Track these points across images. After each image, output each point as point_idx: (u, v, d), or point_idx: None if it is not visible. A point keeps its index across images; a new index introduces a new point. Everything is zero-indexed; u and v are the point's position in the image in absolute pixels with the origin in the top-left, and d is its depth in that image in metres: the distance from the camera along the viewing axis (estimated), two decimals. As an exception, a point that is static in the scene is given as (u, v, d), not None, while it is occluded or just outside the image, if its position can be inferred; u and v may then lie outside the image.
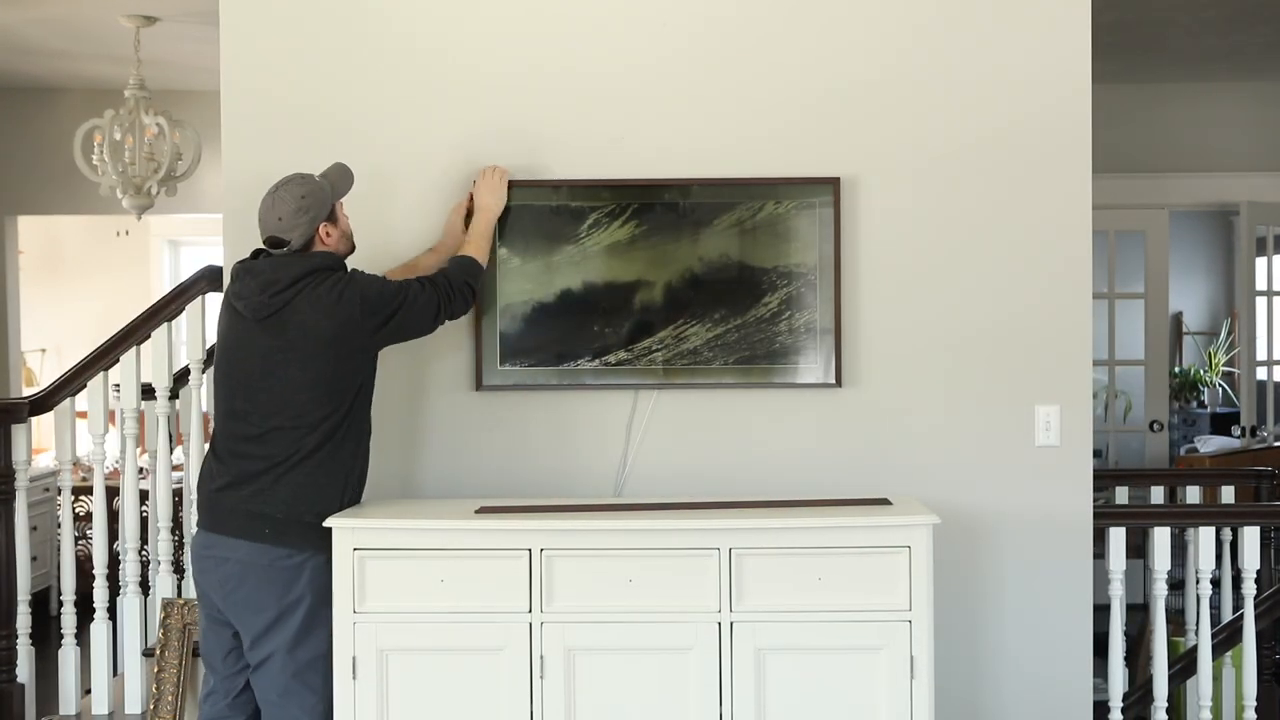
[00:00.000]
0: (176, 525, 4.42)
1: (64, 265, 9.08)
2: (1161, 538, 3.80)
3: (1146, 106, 6.96)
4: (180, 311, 4.15)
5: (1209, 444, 8.20)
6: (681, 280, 3.77)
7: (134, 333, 4.14)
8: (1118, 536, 3.81)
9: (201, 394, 4.25)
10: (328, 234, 3.36)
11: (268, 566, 3.20)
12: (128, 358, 4.13)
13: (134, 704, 4.06)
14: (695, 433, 3.80)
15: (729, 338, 3.77)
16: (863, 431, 3.79)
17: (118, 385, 4.17)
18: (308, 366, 3.24)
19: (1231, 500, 5.07)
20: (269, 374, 3.24)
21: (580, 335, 3.77)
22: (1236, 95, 7.05)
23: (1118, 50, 6.21)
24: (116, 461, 5.17)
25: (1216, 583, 4.72)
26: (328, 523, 3.25)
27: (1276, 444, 6.89)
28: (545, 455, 3.80)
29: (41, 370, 8.75)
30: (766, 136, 3.79)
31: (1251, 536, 3.80)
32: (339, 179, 3.44)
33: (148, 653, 4.09)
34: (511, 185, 3.75)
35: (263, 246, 3.33)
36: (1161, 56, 6.46)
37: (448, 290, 3.42)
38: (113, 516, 4.64)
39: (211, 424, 3.43)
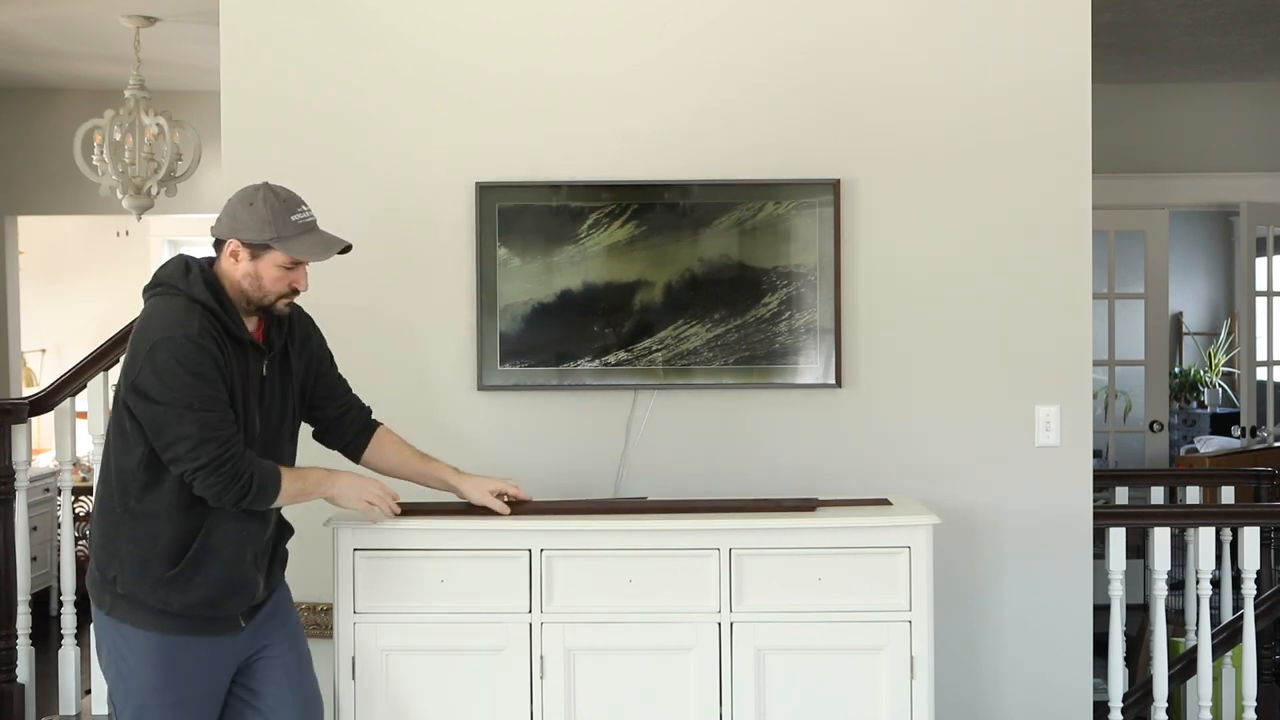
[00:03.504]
0: (176, 525, 4.41)
1: (64, 265, 9.07)
2: (1161, 538, 3.80)
3: (1146, 106, 6.96)
4: (180, 312, 4.14)
5: (1209, 444, 8.20)
6: (681, 280, 3.77)
7: (134, 333, 4.13)
8: (1118, 536, 3.81)
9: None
10: (234, 257, 2.81)
11: None
12: (128, 358, 4.12)
13: (134, 704, 4.05)
14: (695, 433, 3.80)
15: (729, 338, 3.77)
16: (863, 431, 3.79)
17: (118, 385, 4.16)
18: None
19: (1231, 500, 5.07)
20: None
21: (580, 335, 3.77)
22: (1236, 95, 7.05)
23: (1118, 50, 6.21)
24: (116, 461, 5.15)
25: (1216, 583, 4.73)
26: (327, 523, 3.25)
27: (1276, 444, 6.89)
28: (545, 455, 3.80)
29: (41, 370, 8.75)
30: (767, 137, 3.79)
31: (1251, 536, 3.80)
32: (309, 239, 2.84)
33: (148, 653, 4.08)
34: (511, 186, 3.75)
35: None
36: (1161, 56, 6.46)
37: (233, 468, 2.73)
38: (113, 516, 4.63)
39: None
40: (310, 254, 2.84)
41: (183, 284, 2.76)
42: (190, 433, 2.67)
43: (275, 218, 2.79)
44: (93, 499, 2.92)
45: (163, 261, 2.94)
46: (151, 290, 2.80)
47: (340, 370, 3.73)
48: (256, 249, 2.80)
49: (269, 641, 2.99)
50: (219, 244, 2.85)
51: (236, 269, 2.80)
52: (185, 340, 2.68)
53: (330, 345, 3.82)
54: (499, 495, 3.24)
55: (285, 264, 2.82)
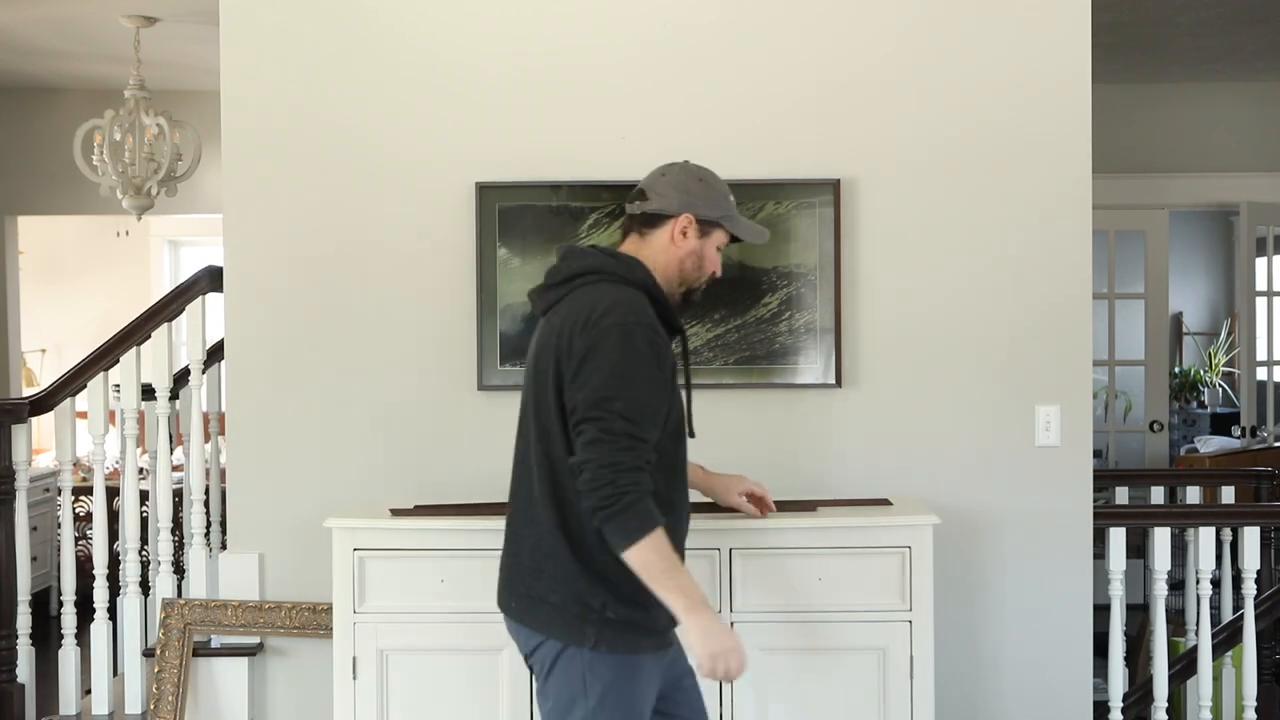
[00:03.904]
0: (176, 525, 4.42)
1: (64, 265, 9.08)
2: (1161, 538, 3.80)
3: (1146, 106, 6.96)
4: (180, 312, 4.15)
5: (1209, 444, 8.20)
6: (681, 280, 3.76)
7: (134, 333, 4.13)
8: (1118, 536, 3.81)
9: (201, 394, 4.25)
10: (682, 235, 2.64)
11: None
12: (128, 358, 4.13)
13: (134, 704, 4.06)
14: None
15: (729, 338, 3.77)
16: (863, 431, 3.79)
17: (118, 385, 4.17)
18: (531, 387, 2.62)
19: (1231, 500, 5.07)
20: (528, 392, 2.64)
21: (580, 335, 3.76)
22: (1236, 95, 7.05)
23: (1118, 50, 6.21)
24: (116, 462, 5.17)
25: (1216, 583, 4.73)
26: (327, 523, 3.26)
27: (1276, 444, 6.89)
28: (545, 455, 3.79)
29: (41, 370, 8.75)
30: (767, 136, 3.79)
31: (1251, 536, 3.80)
32: (746, 221, 2.76)
33: (148, 653, 4.09)
34: (511, 186, 3.76)
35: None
36: (1161, 56, 6.46)
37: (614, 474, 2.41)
38: (113, 517, 4.64)
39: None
40: (753, 235, 2.76)
41: (623, 270, 2.58)
42: (629, 424, 2.42)
43: (723, 196, 2.69)
44: (520, 528, 2.62)
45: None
46: (584, 278, 2.59)
47: (341, 370, 3.76)
48: (708, 226, 2.65)
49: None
50: (651, 220, 2.65)
51: (680, 247, 2.64)
52: (648, 328, 2.49)
53: (331, 344, 3.85)
54: (747, 495, 3.11)
55: (722, 245, 2.70)
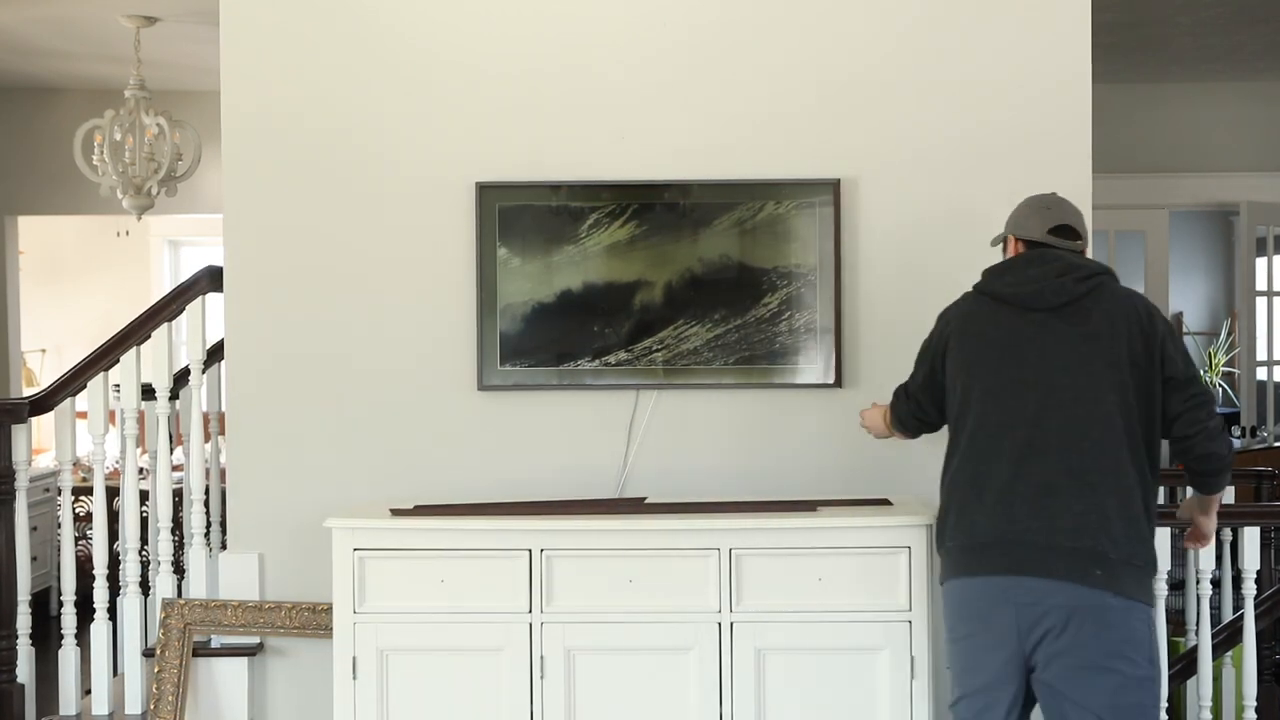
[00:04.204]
0: (176, 525, 4.41)
1: (64, 265, 9.07)
2: (1161, 538, 3.79)
3: (1146, 106, 6.96)
4: (180, 311, 4.15)
5: (1209, 444, 8.18)
6: (681, 280, 3.77)
7: (134, 333, 4.13)
8: (1118, 536, 3.79)
9: (201, 394, 4.25)
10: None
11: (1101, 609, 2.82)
12: (128, 358, 4.13)
13: (134, 704, 4.06)
14: (695, 433, 3.80)
15: (729, 338, 3.77)
16: (862, 432, 3.78)
17: (118, 385, 4.16)
18: (1114, 366, 2.90)
19: (1231, 500, 5.06)
20: (1070, 367, 2.91)
21: (580, 335, 3.77)
22: (1236, 95, 7.05)
23: (1118, 50, 6.21)
24: (116, 462, 5.16)
25: (1216, 583, 4.71)
26: (327, 523, 3.26)
27: (1276, 444, 6.89)
28: (545, 455, 3.80)
29: (41, 370, 8.75)
30: (767, 136, 3.79)
31: (1251, 536, 3.80)
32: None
33: (148, 653, 4.09)
34: (511, 186, 3.76)
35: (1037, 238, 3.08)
36: (1161, 56, 6.46)
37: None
38: (113, 517, 4.64)
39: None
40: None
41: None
42: (1209, 394, 2.94)
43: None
44: (1094, 489, 2.84)
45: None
46: (1101, 274, 3.05)
47: (341, 370, 3.77)
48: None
49: None
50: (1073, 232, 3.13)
51: None
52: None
53: (331, 344, 3.85)
54: None
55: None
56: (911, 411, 3.21)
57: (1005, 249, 3.17)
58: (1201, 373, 9.67)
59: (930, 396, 3.14)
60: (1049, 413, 2.88)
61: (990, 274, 3.07)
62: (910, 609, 3.18)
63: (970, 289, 3.12)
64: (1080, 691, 2.79)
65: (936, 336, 3.13)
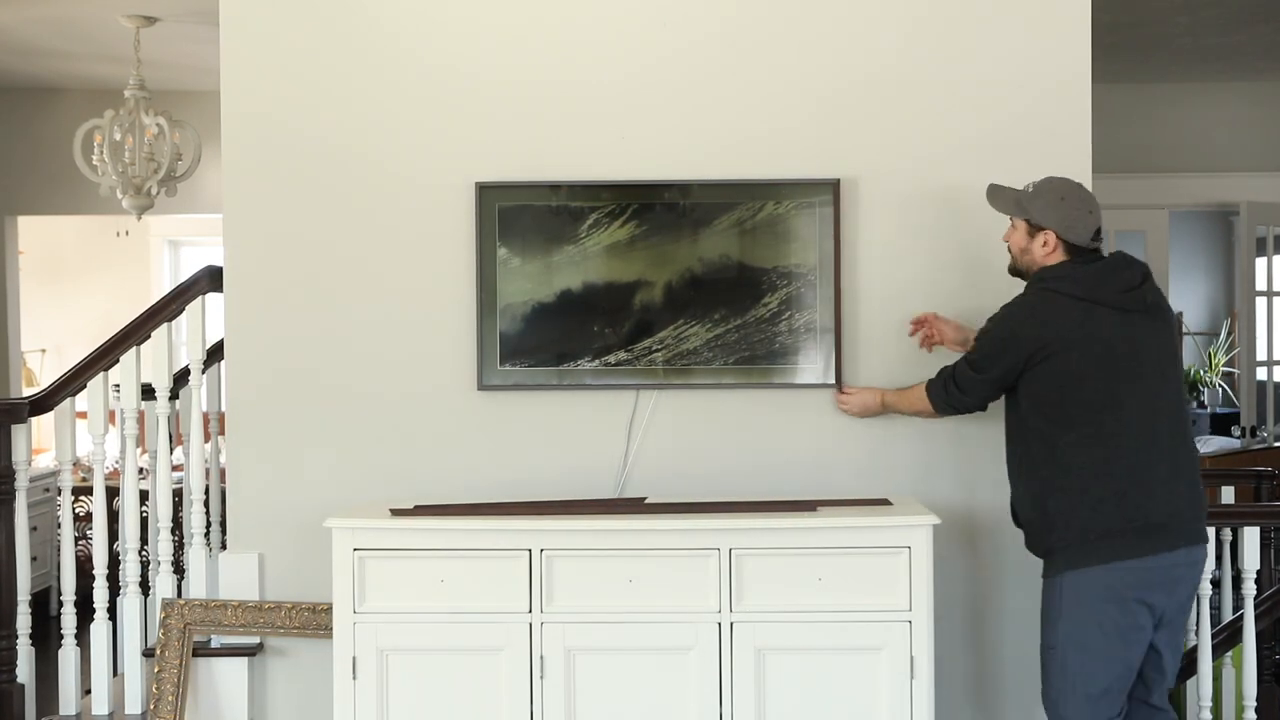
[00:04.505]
0: (176, 525, 4.41)
1: (64, 265, 9.08)
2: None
3: (1146, 106, 6.96)
4: (180, 311, 4.15)
5: (1209, 444, 8.19)
6: (681, 280, 3.77)
7: (134, 333, 4.13)
8: (1118, 536, 3.80)
9: (201, 394, 4.25)
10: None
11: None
12: (128, 358, 4.13)
13: (134, 704, 4.06)
14: (695, 433, 3.80)
15: (729, 338, 3.77)
16: (863, 432, 3.79)
17: (118, 385, 4.16)
18: (1176, 361, 3.36)
19: (1231, 500, 5.06)
20: (1163, 363, 3.29)
21: (580, 335, 3.77)
22: (1236, 95, 7.05)
23: (1118, 50, 6.21)
24: (116, 462, 5.17)
25: (1216, 583, 4.72)
26: (327, 523, 3.26)
27: (1276, 444, 6.89)
28: (545, 455, 3.80)
29: (41, 370, 8.76)
30: (766, 137, 3.79)
31: (1251, 536, 3.80)
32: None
33: (148, 653, 4.09)
34: (511, 186, 3.76)
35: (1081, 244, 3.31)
36: (1161, 56, 6.46)
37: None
38: (113, 517, 4.64)
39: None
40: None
41: None
42: None
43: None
44: (1196, 469, 3.32)
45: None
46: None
47: (341, 370, 3.76)
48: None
49: None
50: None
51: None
52: None
53: (331, 344, 3.85)
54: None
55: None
56: (965, 403, 3.43)
57: (1041, 240, 3.32)
58: (1202, 373, 9.64)
59: (995, 391, 3.37)
60: (1166, 404, 3.26)
61: (1090, 280, 3.24)
62: (910, 609, 3.18)
63: (1044, 289, 3.27)
64: (1177, 640, 3.30)
65: (1030, 340, 3.24)
